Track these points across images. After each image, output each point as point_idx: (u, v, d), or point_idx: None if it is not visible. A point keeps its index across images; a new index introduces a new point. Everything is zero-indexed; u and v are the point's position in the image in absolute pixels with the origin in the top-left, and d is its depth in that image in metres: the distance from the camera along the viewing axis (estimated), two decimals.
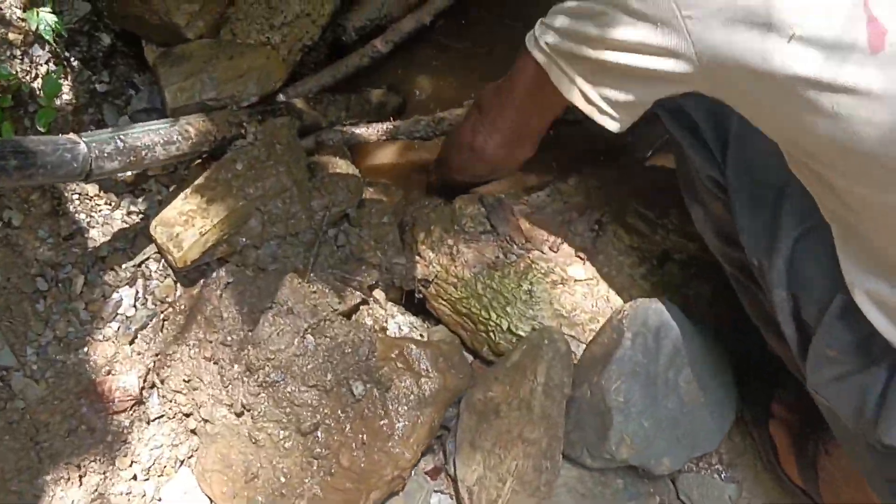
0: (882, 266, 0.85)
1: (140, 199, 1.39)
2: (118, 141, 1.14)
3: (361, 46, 1.65)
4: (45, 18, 1.25)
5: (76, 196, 1.34)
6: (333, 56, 1.66)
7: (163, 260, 1.34)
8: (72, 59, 1.39)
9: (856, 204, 0.83)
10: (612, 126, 0.97)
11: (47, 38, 1.25)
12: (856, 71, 0.71)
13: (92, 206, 1.35)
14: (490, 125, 1.22)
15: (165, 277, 1.33)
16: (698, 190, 1.10)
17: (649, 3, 0.80)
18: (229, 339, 1.21)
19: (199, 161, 1.39)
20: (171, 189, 1.41)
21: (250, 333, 1.20)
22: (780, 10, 0.72)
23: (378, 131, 1.52)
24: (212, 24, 1.44)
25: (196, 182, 1.28)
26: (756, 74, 0.76)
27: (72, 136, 1.08)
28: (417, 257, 1.37)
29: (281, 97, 1.48)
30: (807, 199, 0.93)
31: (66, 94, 1.37)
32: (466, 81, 1.78)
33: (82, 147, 1.08)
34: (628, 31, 0.84)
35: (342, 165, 1.40)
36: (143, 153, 1.19)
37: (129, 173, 1.37)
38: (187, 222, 1.24)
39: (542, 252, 1.34)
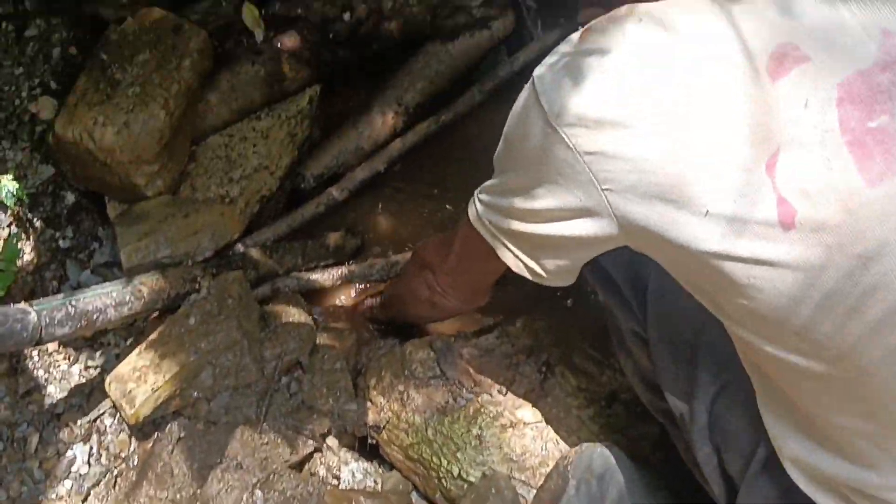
0: (801, 423, 0.88)
1: (98, 353, 1.42)
2: (69, 307, 1.18)
3: (319, 192, 1.72)
4: (7, 186, 1.31)
5: (35, 352, 1.38)
6: (291, 202, 1.72)
7: (118, 414, 1.36)
8: (35, 219, 1.45)
9: (768, 361, 0.87)
10: (559, 284, 1.00)
11: (8, 204, 1.31)
12: (769, 245, 0.75)
13: (50, 363, 1.39)
14: (448, 284, 1.24)
15: (120, 432, 1.35)
16: (625, 341, 1.14)
17: (570, 178, 0.83)
18: (178, 496, 1.22)
19: (156, 314, 1.43)
20: (128, 342, 1.44)
21: (199, 490, 1.21)
22: (693, 189, 0.76)
23: (333, 276, 1.57)
24: (171, 182, 1.51)
25: (150, 338, 1.32)
26: (674, 245, 0.80)
27: (23, 305, 1.12)
28: (369, 403, 1.39)
29: (239, 247, 1.54)
30: (724, 351, 0.97)
31: (28, 255, 1.42)
32: (421, 220, 1.84)
33: (32, 316, 1.12)
34: (552, 203, 0.87)
35: (295, 314, 1.44)
36: (95, 316, 1.23)
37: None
38: (140, 378, 1.27)
39: (492, 395, 1.37)
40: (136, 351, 1.30)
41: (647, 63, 0.76)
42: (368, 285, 1.66)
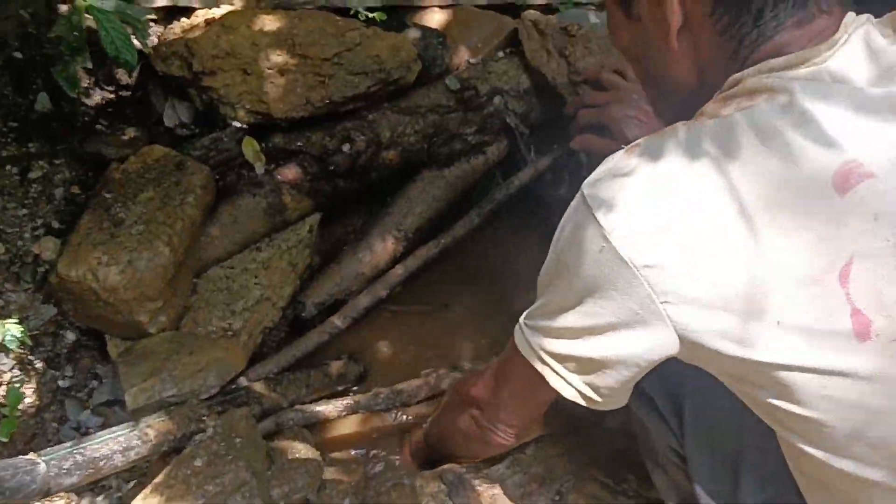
0: None
1: (100, 498, 1.38)
2: (77, 455, 1.16)
3: (320, 320, 1.72)
4: (11, 330, 1.30)
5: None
6: (293, 331, 1.72)
7: None
8: (36, 361, 1.43)
9: (828, 474, 0.86)
10: (611, 407, 0.99)
11: (12, 348, 1.30)
12: (844, 357, 0.77)
13: None
14: (499, 420, 1.18)
15: None
16: (660, 459, 1.13)
17: (627, 293, 0.83)
18: None
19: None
20: (130, 484, 1.41)
21: None
22: (764, 301, 0.77)
23: (338, 408, 1.55)
24: (175, 317, 1.51)
25: (155, 481, 1.28)
26: (739, 360, 0.80)
27: (32, 456, 1.10)
28: None
29: (243, 380, 1.52)
30: (767, 466, 0.97)
31: (30, 397, 1.39)
32: (424, 343, 1.84)
33: (42, 467, 1.10)
34: (607, 318, 0.87)
35: (301, 450, 1.42)
36: (102, 463, 1.20)
37: None
38: None
39: None
40: (142, 496, 1.27)
41: (705, 174, 0.80)
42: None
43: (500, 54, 1.99)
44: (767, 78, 0.83)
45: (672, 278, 0.79)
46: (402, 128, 1.79)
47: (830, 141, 0.78)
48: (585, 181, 0.88)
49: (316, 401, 1.58)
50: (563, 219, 0.91)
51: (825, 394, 0.78)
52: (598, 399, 0.96)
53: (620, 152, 0.88)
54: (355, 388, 1.72)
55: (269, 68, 1.67)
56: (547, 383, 0.98)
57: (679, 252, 0.79)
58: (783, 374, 0.78)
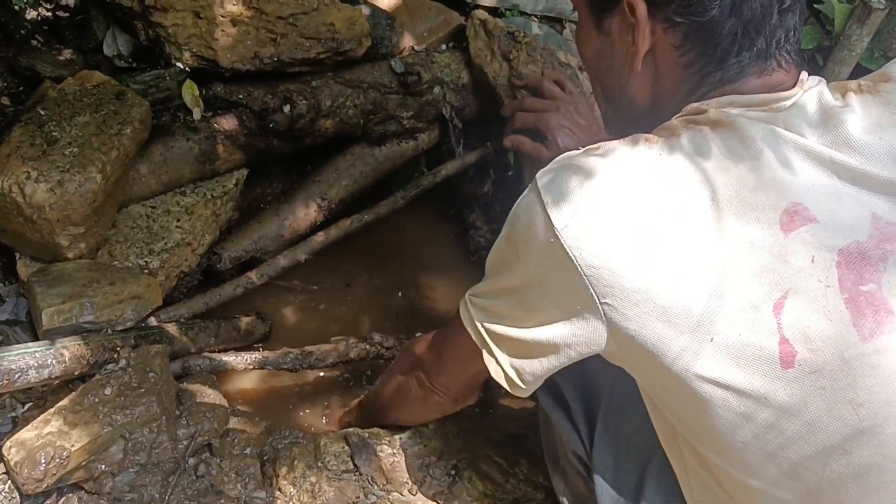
0: None
1: None
2: None
3: (233, 274, 1.72)
4: None
5: None
6: (205, 281, 1.71)
7: (9, 482, 1.28)
8: None
9: (730, 485, 0.93)
10: (523, 395, 1.04)
11: None
12: (767, 381, 0.83)
13: None
14: (441, 383, 1.23)
15: (11, 501, 1.27)
16: (562, 462, 1.19)
17: (569, 287, 0.86)
18: None
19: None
20: (26, 406, 1.37)
21: None
22: (703, 317, 0.82)
23: (246, 360, 1.56)
24: (93, 246, 1.48)
25: (59, 404, 1.26)
26: (664, 366, 0.85)
27: None
28: (278, 492, 1.37)
29: (153, 320, 1.50)
30: (671, 482, 1.02)
31: None
32: (329, 315, 1.87)
33: None
34: (547, 308, 0.91)
35: (210, 395, 1.42)
36: (16, 377, 1.17)
37: None
38: (46, 445, 1.21)
39: (402, 494, 1.38)
40: (43, 416, 1.24)
41: (660, 194, 0.85)
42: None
43: (444, 47, 2.05)
44: (730, 112, 0.90)
45: (616, 283, 0.83)
46: (342, 99, 1.81)
47: (781, 182, 0.85)
48: (540, 172, 0.91)
49: (223, 351, 1.58)
50: (516, 204, 0.94)
51: (744, 412, 0.84)
52: (521, 385, 1.01)
53: (578, 152, 0.92)
54: (260, 345, 1.73)
55: (222, 16, 1.66)
56: (482, 357, 1.03)
57: (628, 258, 0.83)
58: (708, 388, 0.84)
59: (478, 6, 2.09)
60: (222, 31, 1.67)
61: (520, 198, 0.94)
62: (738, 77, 0.94)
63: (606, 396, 1.12)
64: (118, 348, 1.35)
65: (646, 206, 0.85)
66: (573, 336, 0.91)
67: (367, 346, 1.65)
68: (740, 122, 0.89)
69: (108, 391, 1.28)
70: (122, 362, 1.32)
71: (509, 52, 1.91)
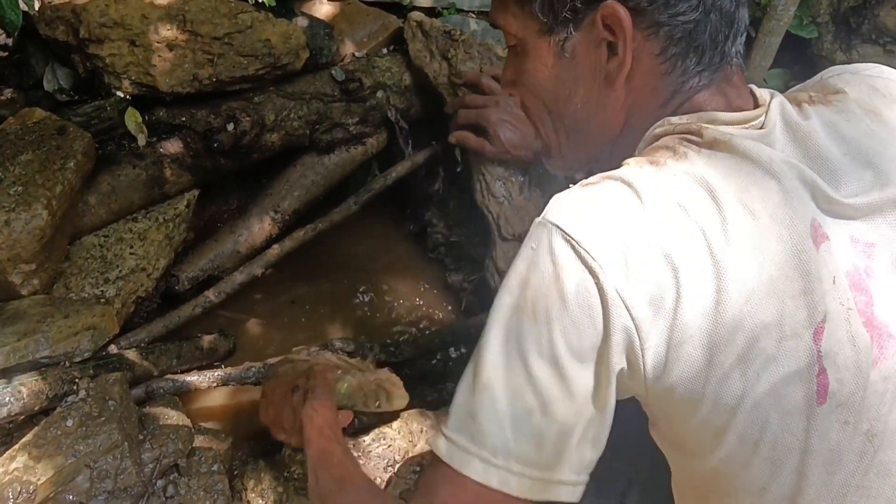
0: None
1: None
2: None
3: (193, 294, 1.75)
4: None
5: None
6: (165, 304, 1.73)
7: None
8: None
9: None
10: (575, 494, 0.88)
11: None
12: (804, 422, 0.78)
13: None
14: None
15: None
16: None
17: (611, 342, 0.79)
18: None
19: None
20: None
21: None
22: (749, 346, 0.77)
23: (209, 378, 1.59)
24: (47, 281, 1.50)
25: (24, 439, 1.29)
26: (700, 399, 0.80)
27: None
28: None
29: (113, 348, 1.53)
30: (653, 496, 1.02)
31: None
32: (294, 324, 1.89)
33: None
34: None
35: (173, 416, 1.45)
36: None
37: None
38: (13, 481, 1.23)
39: None
40: (8, 453, 1.27)
41: (687, 218, 0.79)
42: None
43: (385, 51, 2.08)
44: (722, 130, 0.86)
45: (653, 324, 0.77)
46: (286, 112, 1.84)
47: (799, 198, 0.81)
48: (554, 208, 0.82)
49: (187, 371, 1.60)
50: (528, 246, 0.83)
51: (772, 457, 0.80)
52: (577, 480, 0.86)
53: (595, 180, 0.85)
54: (224, 362, 1.76)
55: (157, 42, 1.69)
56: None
57: (664, 298, 0.77)
58: (742, 430, 0.79)
59: (414, 8, 2.12)
60: (159, 56, 1.69)
61: (533, 235, 0.83)
62: (700, 89, 0.91)
63: None
64: (77, 380, 1.37)
65: (676, 245, 0.78)
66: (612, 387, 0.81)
67: (329, 353, 1.68)
68: (740, 143, 0.84)
69: (69, 423, 1.30)
70: (82, 393, 1.35)
71: (447, 52, 1.94)
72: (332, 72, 1.92)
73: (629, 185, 0.81)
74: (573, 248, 0.78)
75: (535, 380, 0.80)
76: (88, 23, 1.65)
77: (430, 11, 2.13)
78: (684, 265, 0.77)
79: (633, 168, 0.84)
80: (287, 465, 1.43)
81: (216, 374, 1.60)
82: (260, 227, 1.85)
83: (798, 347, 0.77)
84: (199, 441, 1.47)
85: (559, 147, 1.05)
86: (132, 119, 1.71)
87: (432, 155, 1.99)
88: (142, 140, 1.71)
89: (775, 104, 0.90)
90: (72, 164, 1.52)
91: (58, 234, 1.51)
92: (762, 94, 0.93)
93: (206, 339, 1.71)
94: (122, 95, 1.70)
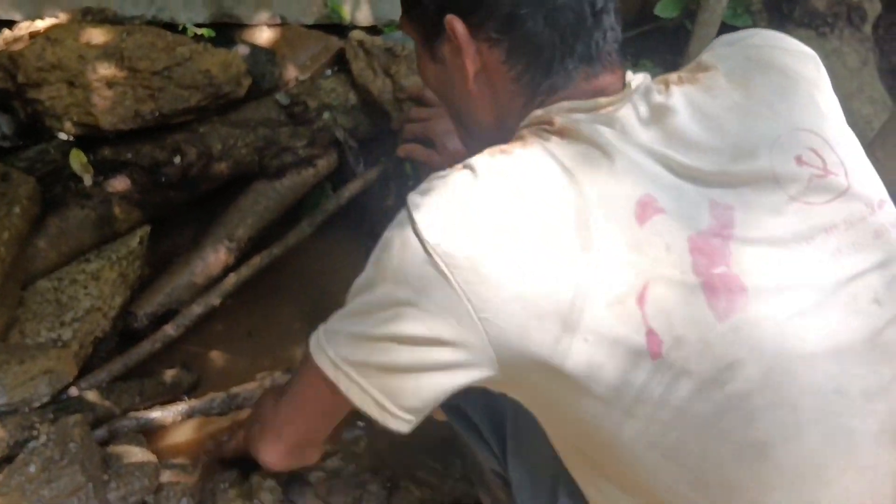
0: None
1: None
2: None
3: (153, 331, 1.74)
4: None
5: None
6: (125, 342, 1.72)
7: None
8: None
9: (629, 486, 0.94)
10: (404, 428, 0.96)
11: None
12: (641, 375, 0.84)
13: None
14: (273, 436, 1.12)
15: None
16: (486, 480, 1.22)
17: (443, 303, 0.84)
18: None
19: None
20: None
21: None
22: (578, 315, 0.83)
23: (173, 413, 1.58)
24: (1, 328, 1.49)
25: None
26: (547, 376, 0.85)
27: None
28: None
29: (74, 390, 1.52)
30: (580, 493, 1.03)
31: None
32: (258, 350, 1.89)
33: None
34: (421, 329, 0.86)
35: (137, 453, 1.44)
36: None
37: None
38: None
39: None
40: None
41: (525, 195, 0.86)
42: None
43: (329, 72, 2.09)
44: (573, 117, 0.93)
45: (494, 296, 0.83)
46: (232, 141, 1.84)
47: (631, 177, 0.88)
48: (410, 193, 0.91)
49: (150, 408, 1.60)
50: (387, 229, 0.91)
51: (625, 408, 0.85)
52: (395, 412, 0.94)
53: (444, 171, 0.91)
54: (190, 395, 1.75)
55: (96, 81, 1.69)
56: (335, 396, 0.95)
57: (502, 270, 0.83)
58: (589, 388, 0.85)
59: (355, 27, 2.13)
60: (99, 95, 1.69)
61: (393, 220, 0.91)
62: (568, 83, 0.97)
63: (511, 416, 1.14)
64: (37, 425, 1.37)
65: (514, 216, 0.85)
66: (452, 359, 0.88)
67: None
68: (585, 127, 0.90)
69: (32, 468, 1.29)
70: (43, 438, 1.34)
71: (389, 68, 1.95)
72: (277, 97, 1.93)
73: (472, 168, 0.89)
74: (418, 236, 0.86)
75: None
76: (26, 68, 1.65)
77: (371, 30, 2.14)
78: (515, 238, 0.84)
79: (481, 156, 0.91)
80: (256, 492, 1.43)
81: (180, 408, 1.59)
82: (215, 257, 1.85)
83: (623, 312, 0.83)
84: (166, 476, 1.47)
85: (461, 136, 1.17)
86: (77, 160, 1.70)
87: (384, 171, 2.00)
88: (88, 180, 1.71)
89: (641, 88, 0.96)
90: (17, 209, 1.52)
91: (9, 281, 1.50)
92: (635, 79, 0.98)
93: (169, 374, 1.71)
94: (65, 137, 1.70)
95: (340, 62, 2.09)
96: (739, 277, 0.86)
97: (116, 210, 1.71)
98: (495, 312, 0.84)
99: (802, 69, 1.01)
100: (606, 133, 0.90)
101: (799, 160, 0.92)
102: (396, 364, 0.90)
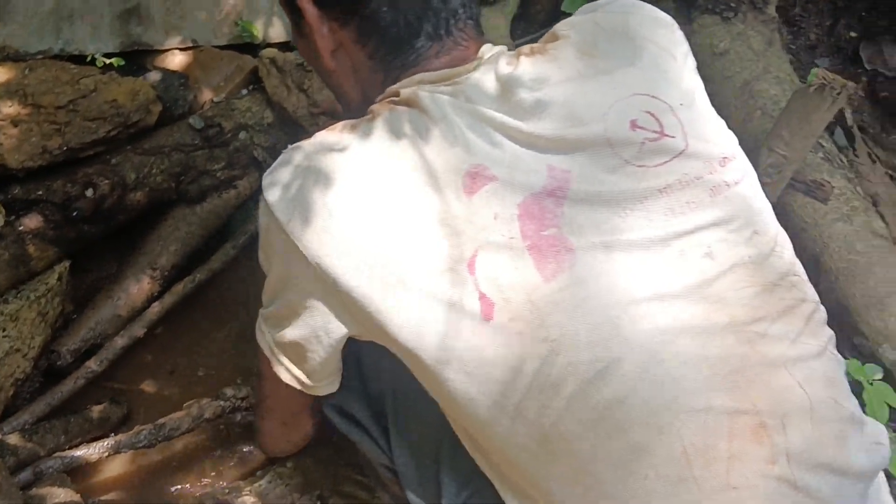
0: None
1: None
2: None
3: (78, 366, 1.72)
4: None
5: None
6: (50, 380, 1.70)
7: None
8: None
9: (493, 449, 0.96)
10: (319, 391, 1.09)
11: None
12: (477, 338, 0.88)
13: None
14: (261, 425, 1.30)
15: None
16: (380, 477, 1.23)
17: (307, 277, 0.93)
18: None
19: None
20: None
21: None
22: (417, 279, 0.89)
23: (99, 449, 1.56)
24: None
25: None
26: (398, 345, 0.91)
27: None
28: None
29: None
30: (463, 465, 1.05)
31: None
32: (187, 381, 1.87)
33: None
34: (293, 297, 0.97)
35: (61, 494, 1.42)
36: None
37: None
38: None
39: None
40: None
41: (367, 166, 0.92)
42: None
43: (244, 91, 2.08)
44: (419, 91, 0.97)
45: (339, 276, 0.90)
46: (147, 168, 1.83)
47: (464, 148, 0.92)
48: (264, 174, 0.98)
49: (75, 447, 1.58)
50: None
51: (468, 370, 0.89)
52: (311, 383, 1.06)
53: (293, 146, 0.99)
54: (119, 430, 1.73)
55: (0, 120, 1.67)
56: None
57: (342, 244, 0.90)
58: (435, 355, 0.90)
59: (268, 44, 2.12)
60: (3, 134, 1.67)
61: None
62: (419, 59, 1.02)
63: (390, 402, 1.16)
64: None
65: (353, 188, 0.92)
66: (320, 319, 0.97)
67: (222, 403, 1.66)
68: (426, 100, 0.95)
69: None
70: None
71: (303, 83, 1.95)
72: (190, 121, 1.92)
73: (316, 144, 0.96)
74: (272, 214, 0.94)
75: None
76: None
77: (284, 46, 2.13)
78: (355, 204, 0.91)
79: (330, 132, 0.98)
80: None
81: (105, 443, 1.57)
82: (138, 287, 1.83)
83: (455, 280, 0.88)
84: None
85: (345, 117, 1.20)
86: None
87: None
88: (0, 220, 1.68)
89: (491, 60, 1.00)
90: None
91: None
92: (490, 51, 1.02)
93: (96, 410, 1.68)
94: None
95: (255, 81, 2.08)
96: (568, 238, 0.89)
97: (30, 249, 1.69)
98: (342, 292, 0.91)
99: (651, 35, 1.04)
100: (446, 103, 0.95)
101: (634, 124, 0.95)
102: (294, 339, 1.00)
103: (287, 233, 0.91)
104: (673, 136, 0.95)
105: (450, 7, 1.02)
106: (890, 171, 2.22)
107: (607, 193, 0.92)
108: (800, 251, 1.93)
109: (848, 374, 1.66)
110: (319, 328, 0.98)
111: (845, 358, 1.73)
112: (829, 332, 0.99)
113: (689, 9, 2.00)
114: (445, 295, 0.88)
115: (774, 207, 1.44)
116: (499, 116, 0.93)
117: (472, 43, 1.03)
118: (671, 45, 1.05)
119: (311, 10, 1.04)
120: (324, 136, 0.97)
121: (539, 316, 0.87)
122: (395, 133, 0.94)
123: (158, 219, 1.92)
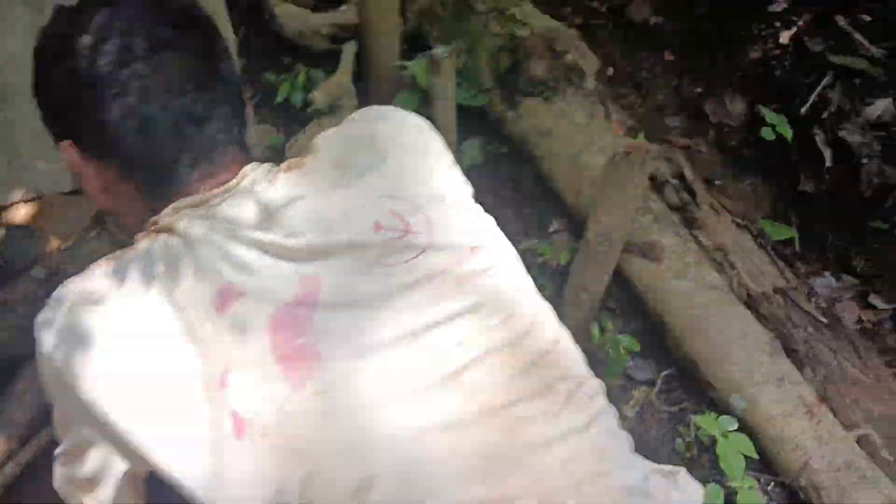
0: None
1: None
2: None
3: None
4: None
5: None
6: None
7: None
8: None
9: None
10: None
11: None
12: (228, 458, 0.88)
13: None
14: None
15: None
16: None
17: (69, 403, 0.93)
18: None
19: None
20: None
21: None
22: (176, 408, 0.89)
23: None
24: None
25: None
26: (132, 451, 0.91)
27: None
28: None
29: None
30: None
31: None
32: None
33: None
34: (79, 441, 0.96)
35: None
36: None
37: None
38: None
39: None
40: None
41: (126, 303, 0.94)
42: None
43: (93, 233, 2.08)
44: (175, 216, 0.99)
45: (107, 405, 0.90)
46: None
47: (214, 269, 0.94)
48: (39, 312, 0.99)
49: None
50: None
51: (232, 493, 0.88)
52: None
53: (62, 285, 1.00)
54: None
55: None
56: None
57: (111, 379, 0.90)
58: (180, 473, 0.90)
59: None
60: None
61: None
62: (182, 187, 1.03)
63: None
64: None
65: (113, 342, 0.92)
66: (102, 456, 0.96)
67: None
68: (181, 225, 0.97)
69: None
70: None
71: None
72: (32, 272, 1.91)
73: (77, 285, 0.97)
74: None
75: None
76: None
77: None
78: (114, 342, 0.91)
79: (88, 276, 0.99)
80: None
81: None
82: None
83: (212, 402, 0.88)
84: None
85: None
86: None
87: None
88: None
89: (249, 180, 1.02)
90: None
91: None
92: (252, 171, 1.04)
93: None
94: None
95: (102, 221, 2.08)
96: (317, 346, 0.90)
97: None
98: (104, 407, 0.90)
99: (400, 138, 1.09)
100: (202, 226, 0.97)
101: (378, 226, 0.98)
102: (83, 475, 0.99)
103: (63, 378, 0.91)
104: (418, 233, 0.99)
105: (206, 135, 1.04)
106: (738, 220, 2.29)
107: (356, 296, 0.94)
108: (646, 314, 1.98)
109: (701, 427, 1.69)
110: (105, 464, 0.97)
111: (702, 412, 1.76)
112: (600, 405, 1.01)
113: (513, 94, 2.07)
114: (205, 422, 0.89)
115: (614, 275, 1.47)
116: (254, 234, 0.96)
117: (235, 165, 1.05)
118: (422, 145, 1.10)
119: (73, 155, 1.05)
120: (84, 284, 0.98)
121: (291, 426, 0.88)
122: (147, 275, 0.95)
123: (11, 375, 1.88)
